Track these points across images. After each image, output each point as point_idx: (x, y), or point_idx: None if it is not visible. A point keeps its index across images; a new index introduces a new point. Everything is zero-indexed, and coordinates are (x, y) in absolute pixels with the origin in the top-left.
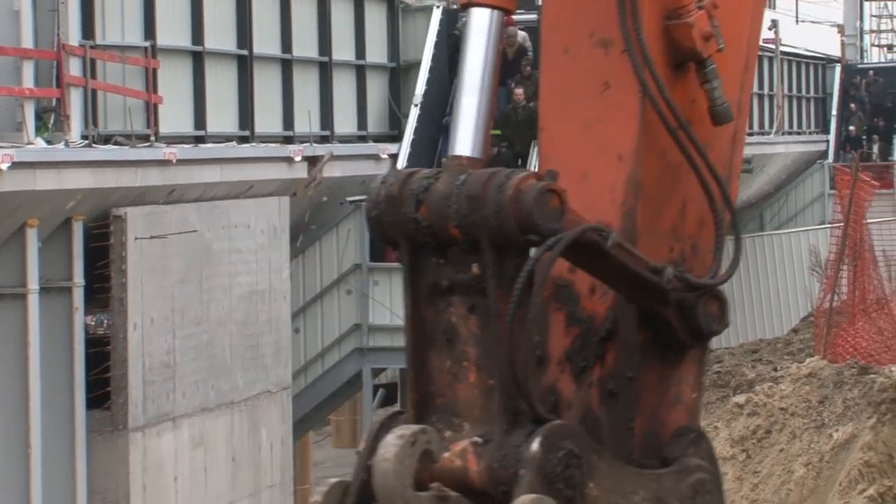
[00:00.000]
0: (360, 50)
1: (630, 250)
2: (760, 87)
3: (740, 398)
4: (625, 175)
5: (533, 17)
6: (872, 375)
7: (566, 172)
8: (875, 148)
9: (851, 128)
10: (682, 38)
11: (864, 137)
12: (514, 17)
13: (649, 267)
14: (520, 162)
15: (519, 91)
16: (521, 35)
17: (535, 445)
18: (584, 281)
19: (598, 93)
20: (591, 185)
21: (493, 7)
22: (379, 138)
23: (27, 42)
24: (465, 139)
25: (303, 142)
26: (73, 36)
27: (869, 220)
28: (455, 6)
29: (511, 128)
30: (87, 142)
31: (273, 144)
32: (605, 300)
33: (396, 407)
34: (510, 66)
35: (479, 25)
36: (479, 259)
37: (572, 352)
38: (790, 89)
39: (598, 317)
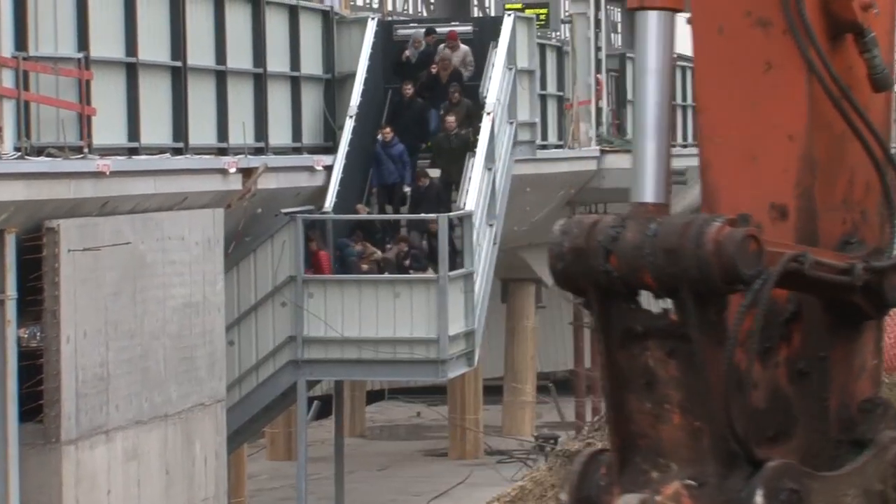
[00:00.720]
0: (295, 61)
1: (823, 262)
2: (683, 98)
3: None
4: (798, 154)
5: (467, 28)
6: None
7: (732, 154)
8: None
9: None
10: (841, 10)
11: None
12: (444, 28)
13: (840, 269)
14: (453, 187)
15: (451, 119)
16: (463, 50)
17: (758, 498)
18: None
19: (761, 73)
20: (761, 166)
21: (663, 9)
22: (314, 150)
23: None
24: (649, 185)
25: (237, 153)
26: (6, 47)
27: None
28: (390, 18)
29: (444, 157)
30: (19, 154)
31: (207, 156)
32: None
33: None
34: (442, 89)
35: (652, 37)
36: (676, 305)
37: (754, 332)
38: None
39: (779, 298)
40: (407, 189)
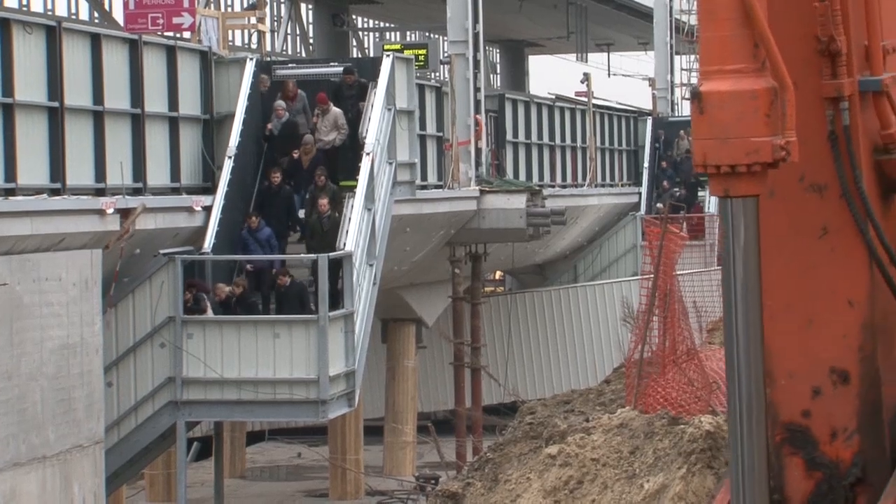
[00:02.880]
0: (173, 101)
1: None
2: (573, 139)
3: (552, 449)
4: (860, 321)
5: (338, 69)
6: (682, 426)
7: (787, 318)
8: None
9: (665, 183)
10: (894, 171)
11: (677, 190)
12: (324, 69)
13: None
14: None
15: (324, 201)
16: (334, 113)
17: None
18: (822, 426)
19: (816, 237)
20: (817, 330)
21: (747, 196)
22: (192, 190)
23: None
24: None
25: (115, 194)
26: None
27: (679, 272)
28: (269, 59)
29: (317, 239)
30: None
31: (85, 197)
32: (851, 445)
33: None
34: (305, 173)
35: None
36: None
37: (817, 496)
38: (603, 142)
39: (843, 462)
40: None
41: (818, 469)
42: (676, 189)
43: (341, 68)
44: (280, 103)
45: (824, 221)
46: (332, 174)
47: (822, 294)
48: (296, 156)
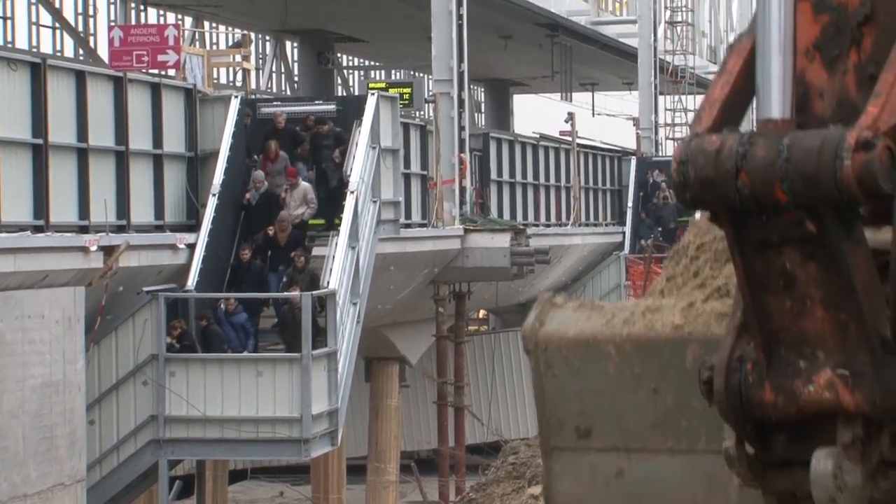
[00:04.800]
0: (158, 139)
1: None
2: (557, 178)
3: (535, 489)
4: None
5: (331, 107)
6: None
7: None
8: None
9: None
10: None
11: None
12: (309, 107)
13: None
14: None
15: (297, 290)
16: (303, 188)
17: None
18: None
19: None
20: None
21: None
22: (176, 228)
23: None
24: (776, 101)
25: (98, 231)
26: None
27: None
28: (253, 96)
29: (289, 331)
30: None
31: (68, 234)
32: None
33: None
34: (282, 251)
35: None
36: (812, 217)
37: (823, 40)
38: (587, 181)
39: (851, 2)
40: None
41: (826, 12)
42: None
43: (326, 107)
44: (258, 174)
45: None
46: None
47: None
48: (271, 233)
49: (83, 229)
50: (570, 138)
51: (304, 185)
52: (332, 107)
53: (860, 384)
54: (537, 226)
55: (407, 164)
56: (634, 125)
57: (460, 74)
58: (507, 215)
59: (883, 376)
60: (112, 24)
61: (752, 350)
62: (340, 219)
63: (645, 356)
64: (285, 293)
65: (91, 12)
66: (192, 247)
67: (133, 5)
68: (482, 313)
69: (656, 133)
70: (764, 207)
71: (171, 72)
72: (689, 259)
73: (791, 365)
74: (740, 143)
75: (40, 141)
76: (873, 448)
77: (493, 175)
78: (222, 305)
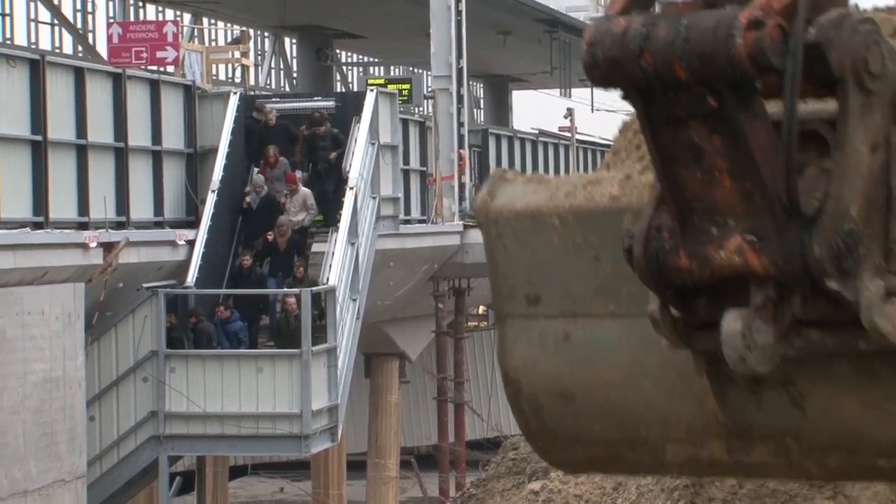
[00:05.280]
0: (157, 135)
1: None
2: (557, 173)
3: (535, 485)
4: None
5: (329, 103)
6: None
7: None
8: None
9: None
10: None
11: None
12: (313, 103)
13: None
14: None
15: (291, 300)
16: (303, 193)
17: (816, 248)
18: None
19: None
20: None
21: None
22: (175, 224)
23: None
24: None
25: (98, 228)
26: None
27: None
28: (252, 93)
29: (283, 338)
30: None
31: (68, 230)
32: None
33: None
34: (282, 257)
35: None
36: (712, 93)
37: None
38: None
39: None
40: None
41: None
42: None
43: (324, 103)
44: (259, 178)
45: None
46: (301, 254)
47: None
48: (270, 238)
49: (83, 226)
50: (569, 134)
51: (305, 190)
52: (331, 103)
53: (765, 248)
54: None
55: (406, 161)
56: None
57: (459, 70)
58: None
59: (785, 240)
60: (111, 20)
61: (669, 219)
62: (339, 216)
63: (585, 226)
64: (285, 290)
65: (90, 9)
66: (191, 243)
67: (132, 2)
68: (482, 309)
69: None
70: (667, 85)
71: (170, 68)
72: (633, 133)
73: (704, 232)
74: (643, 24)
75: (39, 138)
76: (785, 309)
77: (493, 171)
78: (217, 314)
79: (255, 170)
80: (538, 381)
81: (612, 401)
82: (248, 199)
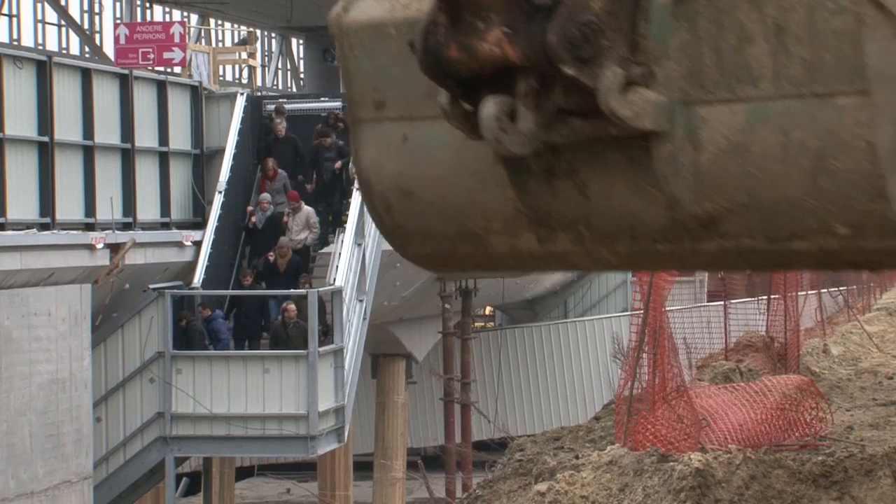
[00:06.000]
0: (164, 136)
1: None
2: None
3: (542, 486)
4: None
5: (337, 104)
6: (672, 463)
7: None
8: None
9: None
10: None
11: None
12: (315, 104)
13: None
14: None
15: (292, 307)
16: (305, 212)
17: (551, 36)
18: None
19: None
20: None
21: None
22: (182, 225)
23: None
24: None
25: (105, 229)
26: None
27: (668, 308)
28: (259, 94)
29: (280, 347)
30: None
31: (74, 231)
32: None
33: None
34: (282, 278)
35: None
36: None
37: None
38: None
39: None
40: None
41: None
42: None
43: (332, 104)
44: (265, 196)
45: None
46: (303, 273)
47: None
48: (271, 259)
49: (89, 227)
50: None
51: (307, 209)
52: (338, 103)
53: (517, 39)
54: None
55: None
56: None
57: None
58: None
59: (530, 31)
60: (118, 21)
61: (444, 16)
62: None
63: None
64: (292, 290)
65: (97, 10)
66: (198, 244)
67: (139, 3)
68: (488, 310)
69: None
70: None
71: (177, 69)
72: None
73: (472, 26)
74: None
75: (46, 139)
76: (548, 97)
77: None
78: (199, 313)
79: (265, 195)
80: (384, 181)
81: (442, 196)
82: (253, 218)
